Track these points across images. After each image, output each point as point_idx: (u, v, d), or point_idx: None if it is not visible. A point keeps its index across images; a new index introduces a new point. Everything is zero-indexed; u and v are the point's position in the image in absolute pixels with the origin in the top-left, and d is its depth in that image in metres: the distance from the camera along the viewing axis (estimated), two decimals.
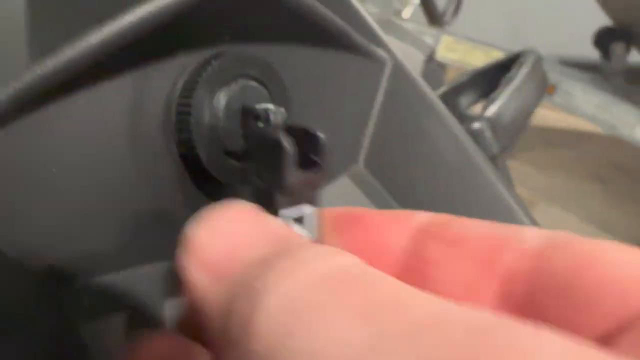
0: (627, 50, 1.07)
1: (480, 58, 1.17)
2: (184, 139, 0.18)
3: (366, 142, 0.25)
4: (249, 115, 0.18)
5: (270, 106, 0.18)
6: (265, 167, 0.16)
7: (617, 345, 0.14)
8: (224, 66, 0.18)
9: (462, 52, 1.20)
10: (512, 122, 0.39)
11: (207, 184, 0.19)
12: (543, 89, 0.44)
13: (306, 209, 0.16)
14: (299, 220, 0.16)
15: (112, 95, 0.17)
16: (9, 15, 0.17)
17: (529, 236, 0.16)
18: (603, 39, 1.06)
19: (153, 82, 0.18)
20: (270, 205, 0.16)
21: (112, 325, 0.18)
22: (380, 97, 0.25)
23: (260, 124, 0.18)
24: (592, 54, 1.11)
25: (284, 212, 0.16)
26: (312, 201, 0.16)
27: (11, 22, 0.17)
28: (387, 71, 0.25)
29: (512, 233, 0.16)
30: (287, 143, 0.15)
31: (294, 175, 0.15)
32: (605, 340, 0.15)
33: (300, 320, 0.12)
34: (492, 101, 0.39)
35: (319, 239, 0.17)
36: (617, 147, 1.32)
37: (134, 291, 0.18)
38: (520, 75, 0.41)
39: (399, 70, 0.25)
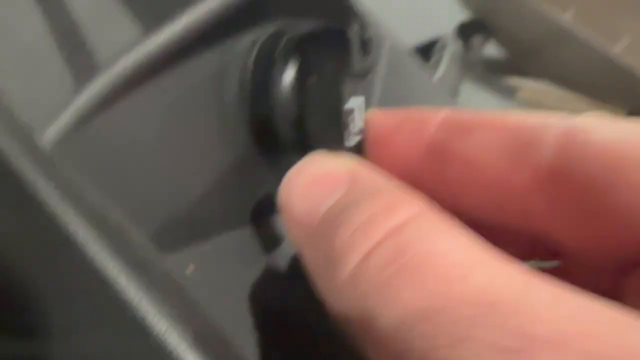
0: (485, 42, 1.17)
1: None
2: (261, 111, 0.19)
3: None
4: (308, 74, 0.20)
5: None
6: (332, 58, 0.19)
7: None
8: (291, 42, 0.20)
9: None
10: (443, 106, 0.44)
11: (276, 153, 0.21)
12: (462, 72, 0.48)
13: (359, 99, 0.18)
14: (357, 107, 0.18)
15: (199, 69, 0.18)
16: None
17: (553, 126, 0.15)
18: (465, 32, 1.15)
19: (230, 58, 0.19)
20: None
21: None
22: (381, 72, 0.27)
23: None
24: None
25: (349, 101, 0.18)
26: (363, 92, 0.19)
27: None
28: (386, 47, 0.27)
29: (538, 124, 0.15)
30: (353, 32, 0.19)
31: (358, 60, 0.19)
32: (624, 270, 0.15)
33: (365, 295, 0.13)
34: None
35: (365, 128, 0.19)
36: None
37: (225, 256, 0.19)
38: (445, 59, 0.45)
39: (395, 47, 0.28)
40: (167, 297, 0.13)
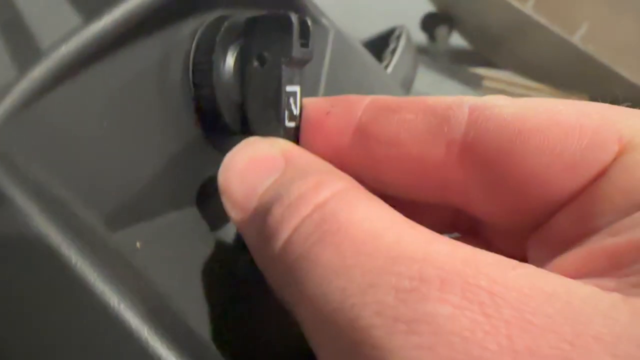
0: (449, 33, 1.18)
1: None
2: (205, 93, 0.20)
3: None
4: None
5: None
6: (273, 44, 0.19)
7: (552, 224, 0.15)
8: (231, 27, 0.21)
9: None
10: (400, 90, 0.45)
11: (221, 136, 0.21)
12: (417, 58, 0.50)
13: (296, 87, 0.20)
14: (293, 95, 0.20)
15: (144, 55, 0.19)
16: None
17: (467, 105, 0.16)
18: (429, 24, 1.17)
19: (173, 43, 0.20)
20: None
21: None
22: (327, 59, 0.28)
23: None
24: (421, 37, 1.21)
25: (287, 87, 0.19)
26: (299, 82, 0.20)
27: None
28: (331, 36, 0.28)
29: (454, 102, 0.16)
30: (294, 18, 0.19)
31: (298, 48, 0.19)
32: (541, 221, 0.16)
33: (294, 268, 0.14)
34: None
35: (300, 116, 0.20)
36: None
37: (172, 234, 0.20)
38: (400, 47, 0.47)
39: (340, 36, 0.29)
40: (108, 262, 0.14)
